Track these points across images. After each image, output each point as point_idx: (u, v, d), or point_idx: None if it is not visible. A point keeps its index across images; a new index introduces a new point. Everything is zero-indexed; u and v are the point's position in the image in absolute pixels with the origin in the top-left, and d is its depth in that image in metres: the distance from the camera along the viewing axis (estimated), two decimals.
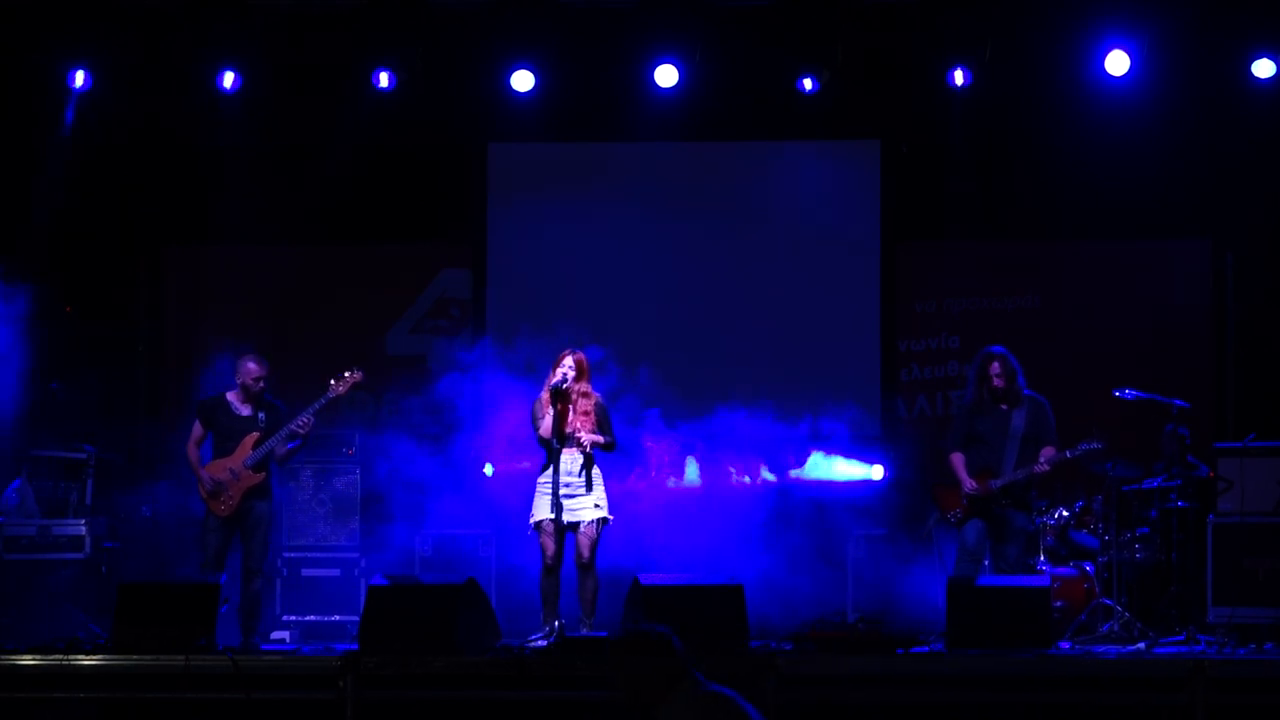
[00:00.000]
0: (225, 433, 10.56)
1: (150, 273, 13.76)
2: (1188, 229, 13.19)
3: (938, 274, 13.52)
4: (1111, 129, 12.51)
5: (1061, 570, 11.11)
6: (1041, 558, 11.17)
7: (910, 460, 12.57)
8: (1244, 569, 10.80)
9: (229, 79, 12.69)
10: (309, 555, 11.98)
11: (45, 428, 11.97)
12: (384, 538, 11.91)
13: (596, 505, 9.99)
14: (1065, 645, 10.15)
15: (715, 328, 13.18)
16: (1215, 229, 13.03)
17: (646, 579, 9.65)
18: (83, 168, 12.87)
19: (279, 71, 12.78)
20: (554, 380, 10.03)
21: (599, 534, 10.01)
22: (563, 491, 9.88)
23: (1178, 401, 10.90)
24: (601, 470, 10.10)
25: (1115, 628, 10.44)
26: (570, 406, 10.03)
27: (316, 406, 10.51)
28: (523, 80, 12.73)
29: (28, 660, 9.31)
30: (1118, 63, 12.29)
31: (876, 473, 12.51)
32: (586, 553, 9.96)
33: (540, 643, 9.64)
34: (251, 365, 10.62)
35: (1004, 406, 10.63)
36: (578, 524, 9.93)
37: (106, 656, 9.35)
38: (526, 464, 10.30)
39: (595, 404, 10.15)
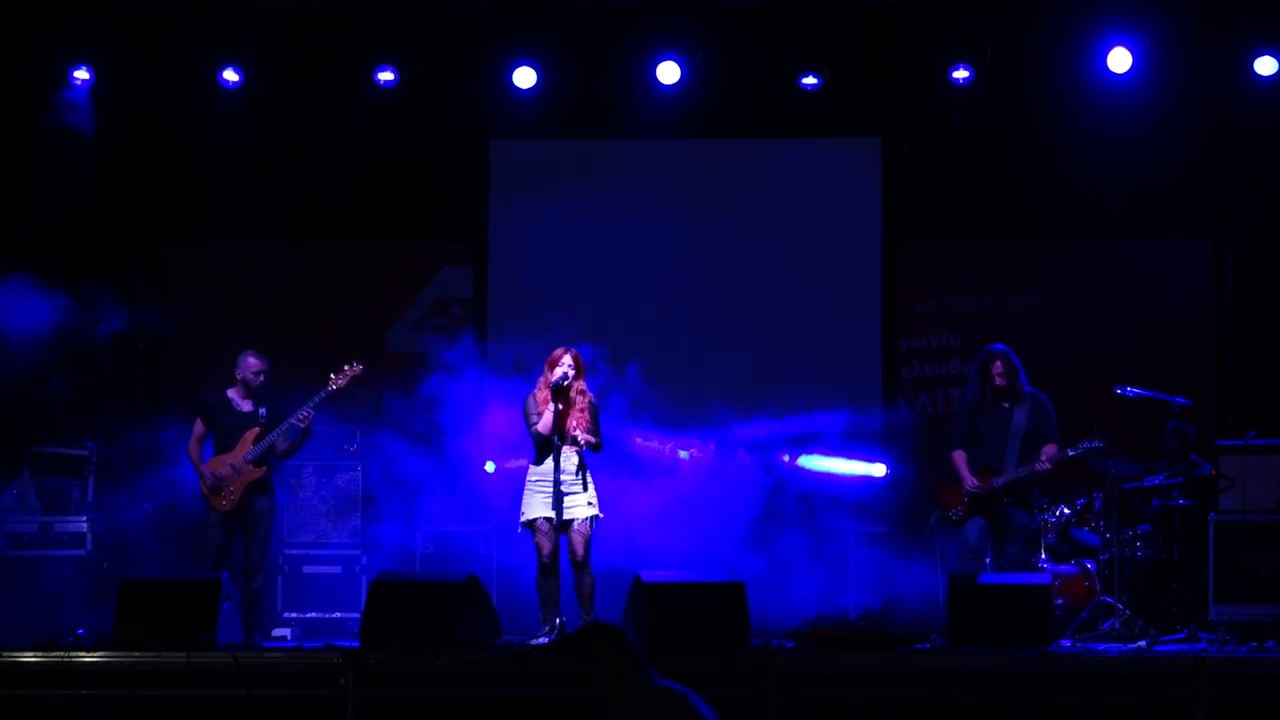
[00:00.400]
0: (226, 429, 10.58)
1: (150, 272, 13.74)
2: (1188, 228, 13.19)
3: (939, 272, 13.52)
4: (1112, 128, 12.51)
5: (1063, 568, 11.12)
6: (1043, 555, 11.17)
7: (912, 458, 12.58)
8: (1245, 567, 10.80)
9: (230, 78, 12.68)
10: (310, 552, 11.98)
11: (46, 425, 11.97)
12: (385, 535, 11.91)
13: (589, 503, 10.00)
14: (1066, 643, 10.15)
15: (716, 325, 13.18)
16: (1216, 228, 13.04)
17: (648, 576, 9.66)
18: (83, 167, 12.86)
19: (280, 70, 12.78)
20: (555, 378, 10.03)
21: (592, 531, 10.01)
22: (560, 489, 9.88)
23: (1180, 399, 10.90)
24: (590, 468, 10.12)
25: (1116, 625, 10.44)
26: (570, 404, 10.04)
27: (316, 400, 10.52)
28: (524, 78, 12.73)
29: (29, 657, 9.31)
30: (1119, 60, 12.29)
31: (878, 470, 12.51)
32: (581, 550, 9.96)
33: (542, 640, 9.63)
34: (252, 360, 10.65)
35: (1005, 404, 10.64)
36: (571, 522, 9.93)
37: (108, 653, 9.34)
38: (527, 461, 10.28)
39: (590, 402, 10.17)
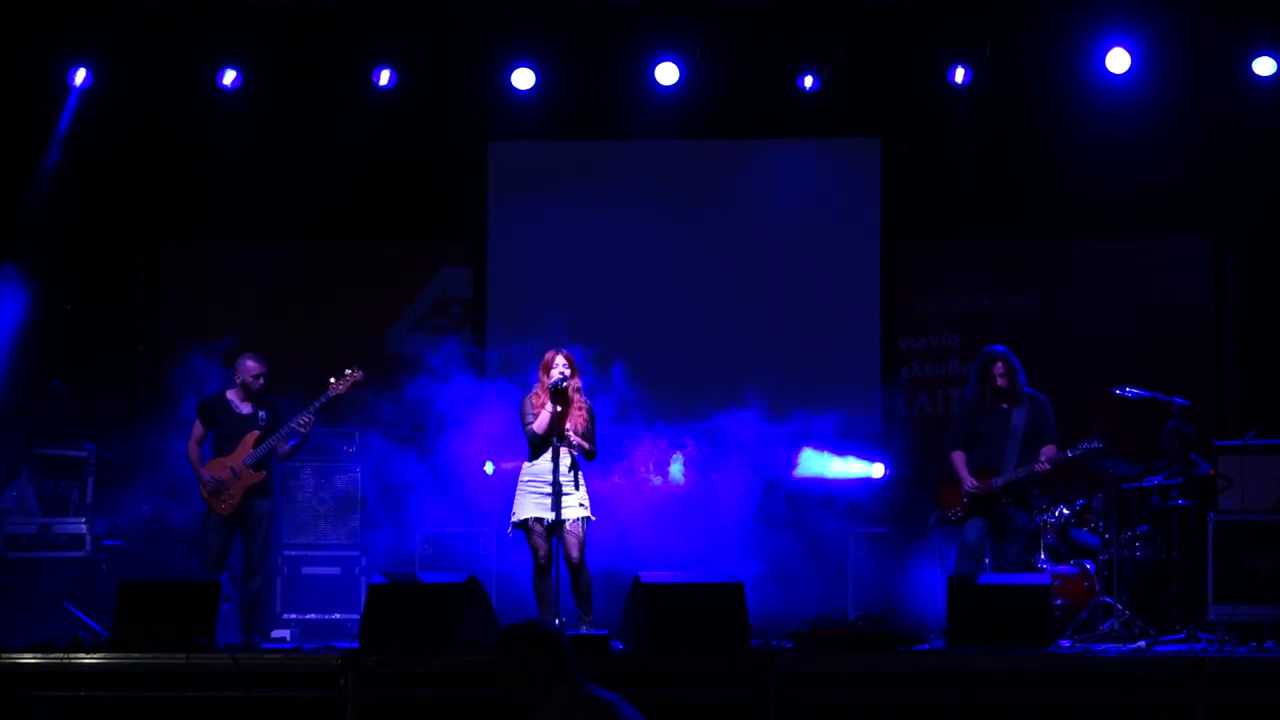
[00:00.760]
0: (226, 432, 10.58)
1: (150, 272, 13.75)
2: (1188, 228, 13.19)
3: (938, 272, 13.52)
4: (1112, 128, 12.50)
5: (1062, 568, 11.12)
6: (1042, 556, 11.17)
7: (911, 458, 12.58)
8: (1245, 567, 10.79)
9: (229, 78, 12.68)
10: (309, 554, 11.98)
11: (46, 426, 11.97)
12: (384, 536, 11.91)
13: (581, 505, 9.99)
14: (1066, 643, 10.16)
15: (716, 325, 13.18)
16: (1215, 228, 13.04)
17: (647, 577, 9.65)
18: (83, 167, 12.86)
19: (279, 70, 12.78)
20: (553, 379, 10.02)
21: (585, 533, 10.00)
22: (561, 489, 9.89)
23: (1179, 399, 10.90)
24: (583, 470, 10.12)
25: (1116, 626, 10.44)
26: (569, 404, 10.04)
27: (317, 405, 10.53)
28: (523, 79, 12.73)
29: (28, 659, 9.31)
30: (1118, 61, 12.28)
31: (877, 471, 12.51)
32: (575, 553, 9.95)
33: None
34: (251, 364, 10.65)
35: (1005, 405, 10.63)
36: (563, 523, 9.92)
37: (107, 655, 9.34)
38: (526, 462, 10.29)
39: (586, 404, 10.18)
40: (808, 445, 12.34)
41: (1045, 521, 11.28)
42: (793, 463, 12.27)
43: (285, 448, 10.56)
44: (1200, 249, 13.23)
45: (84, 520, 11.58)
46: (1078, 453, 10.48)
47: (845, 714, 9.02)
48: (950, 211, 13.30)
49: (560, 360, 10.10)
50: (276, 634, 11.37)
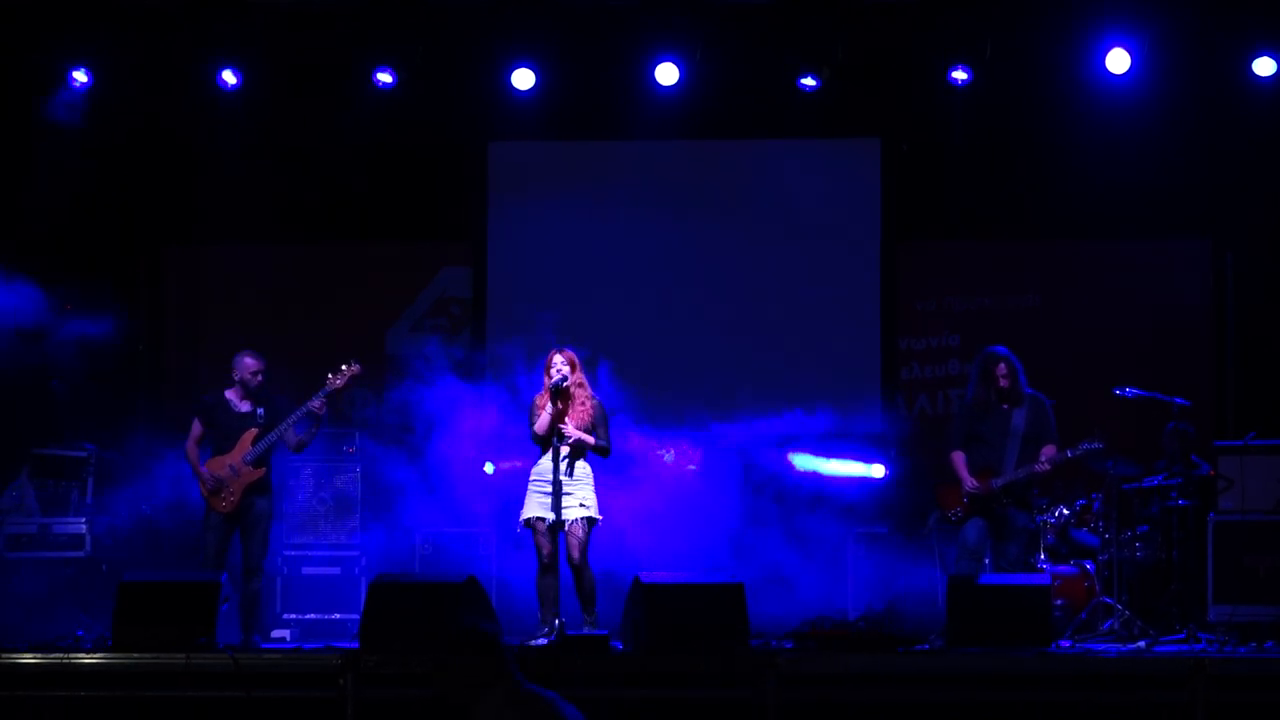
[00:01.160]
0: (225, 430, 10.59)
1: (150, 273, 13.75)
2: (1188, 228, 13.19)
3: (938, 272, 13.52)
4: (1112, 128, 12.50)
5: (1062, 568, 11.12)
6: (1042, 556, 11.17)
7: (911, 459, 12.56)
8: (1244, 567, 10.79)
9: (229, 78, 12.68)
10: (309, 553, 11.98)
11: (45, 426, 11.97)
12: (384, 536, 11.91)
13: (582, 504, 9.96)
14: (1066, 643, 10.16)
15: (716, 325, 13.18)
16: (1215, 228, 13.04)
17: (647, 577, 9.65)
18: (83, 166, 12.85)
19: (279, 70, 12.78)
20: (553, 380, 10.02)
21: (588, 533, 9.99)
22: (562, 489, 9.88)
23: (1179, 400, 10.90)
24: (593, 470, 10.10)
25: (1116, 626, 10.45)
26: (570, 404, 10.03)
27: (316, 399, 10.50)
28: (523, 79, 12.73)
29: (28, 659, 9.31)
30: (1118, 61, 12.28)
31: (877, 471, 12.51)
32: (576, 553, 9.95)
33: (541, 641, 9.63)
34: (249, 360, 10.65)
35: (1005, 406, 10.63)
36: (564, 523, 9.92)
37: (107, 655, 9.35)
38: (527, 462, 10.29)
39: (592, 402, 10.15)
40: (807, 446, 12.34)
41: (1045, 522, 11.28)
42: (793, 463, 12.27)
43: (295, 436, 10.53)
44: (1200, 249, 13.23)
45: (84, 520, 11.58)
46: (1078, 453, 10.47)
47: (845, 714, 9.02)
48: (950, 211, 13.31)
49: (558, 359, 10.10)
50: (276, 634, 11.38)
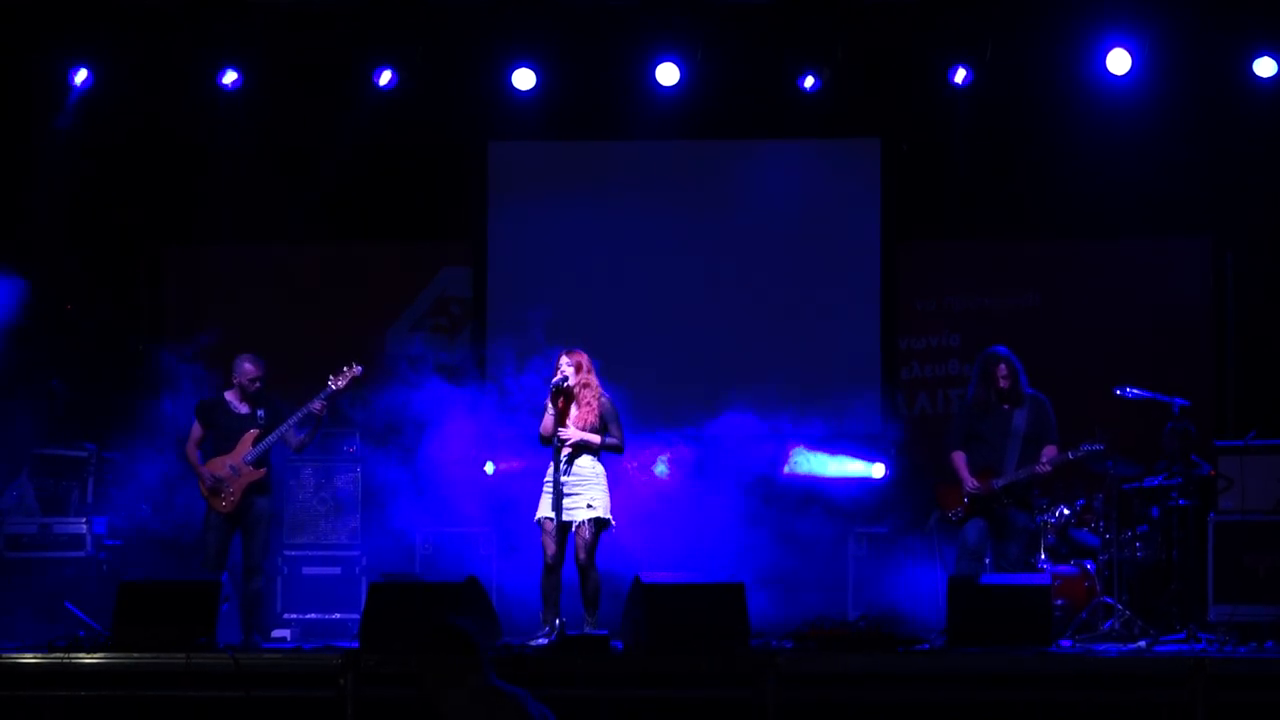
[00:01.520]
0: (224, 432, 10.58)
1: (150, 272, 13.75)
2: (1188, 227, 13.19)
3: (938, 272, 13.52)
4: (1112, 127, 12.50)
5: (1062, 568, 11.12)
6: (1042, 556, 11.17)
7: (911, 458, 12.57)
8: (1245, 567, 10.79)
9: (229, 78, 12.69)
10: (310, 553, 11.98)
11: (46, 426, 11.97)
12: (384, 536, 11.91)
13: (589, 505, 9.94)
14: (1066, 643, 10.15)
15: (715, 325, 13.17)
16: (1215, 227, 13.04)
17: (647, 577, 9.65)
18: (83, 167, 12.86)
19: (279, 70, 12.79)
20: (555, 379, 10.02)
21: (595, 535, 9.96)
22: (562, 489, 9.88)
23: (1179, 400, 10.89)
24: (606, 470, 10.09)
25: (1116, 626, 10.44)
26: (573, 404, 10.02)
27: (317, 401, 10.50)
28: (523, 79, 12.73)
29: (28, 659, 9.31)
30: (1119, 61, 12.28)
31: (877, 471, 12.52)
32: (582, 554, 9.94)
33: (541, 641, 9.63)
34: (247, 366, 10.64)
35: (1006, 406, 10.63)
36: (571, 524, 9.93)
37: (107, 655, 9.34)
38: (527, 462, 10.28)
39: (600, 401, 10.11)
40: (808, 445, 12.34)
41: (1045, 522, 11.28)
42: (793, 463, 12.28)
43: (296, 438, 10.54)
44: (1200, 248, 13.23)
45: (84, 520, 11.58)
46: (1079, 455, 10.48)
47: (845, 714, 9.02)
48: (950, 211, 13.31)
49: (564, 360, 10.09)
50: (276, 634, 11.38)
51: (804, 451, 12.34)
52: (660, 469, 12.02)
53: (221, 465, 10.51)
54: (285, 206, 13.27)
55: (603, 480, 10.04)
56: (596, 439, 10.02)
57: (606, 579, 10.16)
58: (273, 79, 12.81)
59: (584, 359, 10.15)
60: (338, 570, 11.92)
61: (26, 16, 12.27)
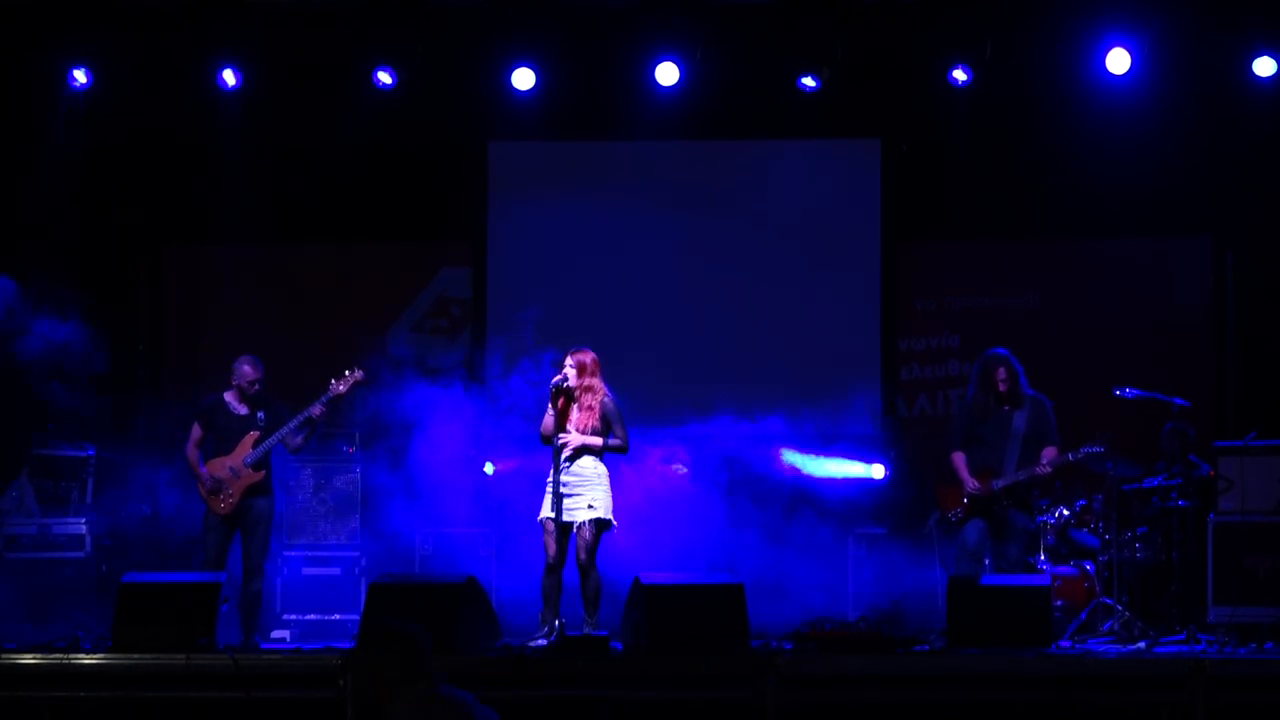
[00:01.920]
0: (224, 433, 10.58)
1: (150, 273, 13.75)
2: (1188, 227, 13.19)
3: (938, 272, 13.52)
4: (1112, 127, 12.50)
5: (1062, 569, 11.12)
6: (1042, 557, 11.17)
7: (911, 459, 12.57)
8: (1244, 568, 10.79)
9: (229, 78, 12.68)
10: (309, 554, 11.97)
11: (46, 426, 11.97)
12: (384, 536, 11.91)
13: (590, 506, 9.93)
14: (1066, 644, 10.15)
15: (716, 326, 13.17)
16: (1215, 227, 13.04)
17: (647, 578, 9.65)
18: (83, 167, 12.86)
19: (279, 70, 12.78)
20: (555, 379, 10.02)
21: (596, 536, 9.96)
22: (562, 490, 9.87)
23: (1179, 400, 10.89)
24: (610, 471, 10.08)
25: (1116, 627, 10.44)
26: (574, 405, 10.02)
27: (318, 405, 10.50)
28: (523, 79, 12.73)
29: (28, 659, 9.31)
30: (1118, 61, 12.28)
31: (877, 471, 12.52)
32: (583, 554, 9.94)
33: (541, 642, 9.63)
34: (246, 368, 10.63)
35: (1006, 407, 10.63)
36: (572, 524, 9.92)
37: (107, 655, 9.35)
38: (526, 463, 10.28)
39: (602, 402, 10.10)
40: (808, 446, 12.34)
41: (1045, 523, 11.27)
42: (793, 463, 12.27)
43: (295, 440, 10.54)
44: (1200, 248, 13.23)
45: (84, 520, 11.58)
46: (1079, 456, 10.48)
47: (845, 715, 9.02)
48: (950, 211, 13.31)
49: (568, 361, 10.08)
50: (276, 634, 11.38)
51: (804, 452, 12.33)
52: (679, 469, 12.04)
53: (221, 466, 10.51)
54: (285, 206, 13.29)
55: (605, 481, 10.03)
56: (598, 441, 10.00)
57: (606, 580, 10.16)
58: (273, 79, 12.80)
59: (588, 359, 10.12)
60: (337, 571, 11.91)
61: (26, 16, 12.26)
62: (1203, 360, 13.07)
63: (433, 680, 5.59)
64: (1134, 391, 10.95)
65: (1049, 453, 10.52)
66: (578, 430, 9.98)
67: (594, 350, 10.22)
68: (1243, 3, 12.28)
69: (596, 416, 10.04)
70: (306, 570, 11.94)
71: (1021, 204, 13.25)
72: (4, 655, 9.31)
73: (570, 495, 9.88)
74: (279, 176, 13.09)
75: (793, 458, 12.29)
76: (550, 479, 9.93)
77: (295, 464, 11.79)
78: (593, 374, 10.10)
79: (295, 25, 12.38)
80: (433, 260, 13.81)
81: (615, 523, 10.04)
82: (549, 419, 9.99)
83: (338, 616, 11.69)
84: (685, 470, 12.01)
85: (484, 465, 12.13)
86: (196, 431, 10.65)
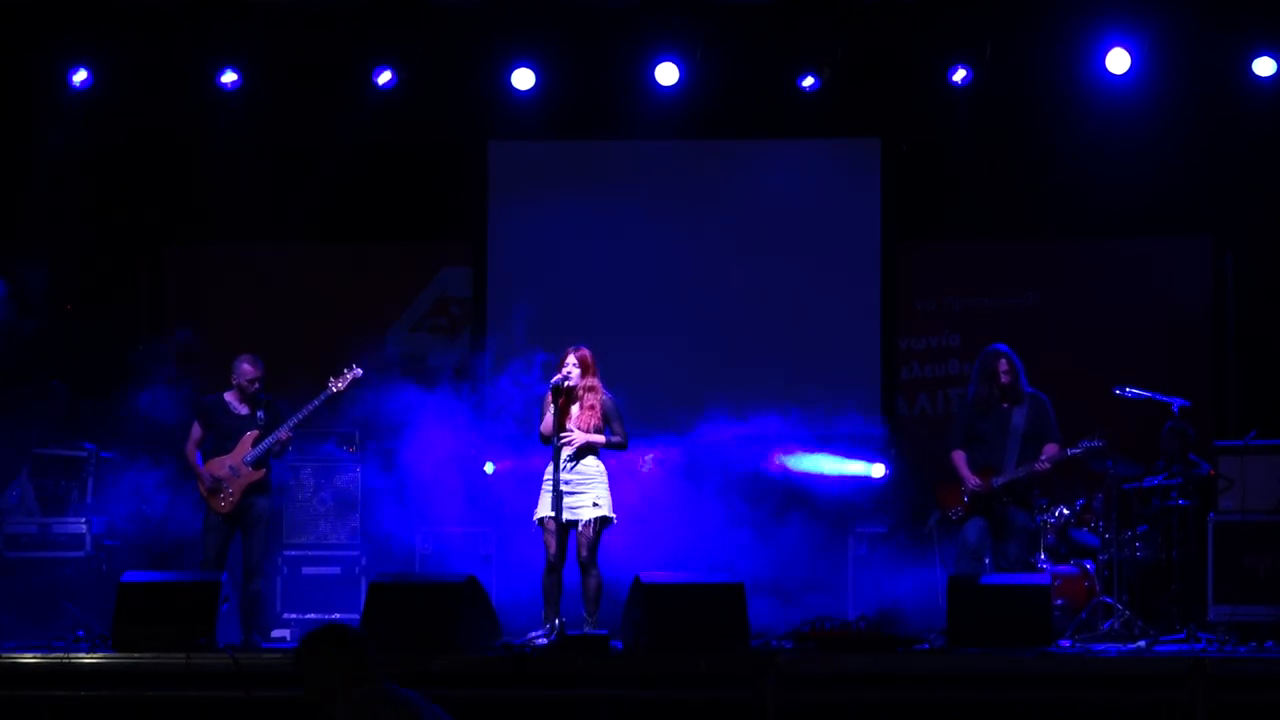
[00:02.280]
0: (224, 432, 10.58)
1: (150, 272, 13.74)
2: (1188, 226, 13.20)
3: (938, 272, 13.52)
4: (1112, 127, 12.50)
5: (1062, 568, 11.12)
6: (1042, 556, 11.17)
7: (911, 458, 12.56)
8: (1244, 567, 10.79)
9: (229, 78, 12.68)
10: (309, 553, 11.97)
11: (46, 426, 11.97)
12: (384, 535, 11.90)
13: (595, 504, 9.94)
14: (1066, 643, 10.15)
15: (715, 326, 13.17)
16: (1215, 226, 13.04)
17: (647, 577, 9.65)
18: (83, 166, 12.86)
19: (279, 70, 12.78)
20: (556, 378, 10.01)
21: (598, 533, 9.96)
22: (563, 489, 9.87)
23: (1179, 400, 10.89)
24: (608, 469, 10.09)
25: (1116, 626, 10.44)
26: (574, 404, 10.01)
27: (316, 403, 10.53)
28: (523, 78, 12.73)
29: (28, 659, 9.31)
30: (1118, 61, 12.28)
31: (877, 471, 12.51)
32: (585, 552, 9.93)
33: (541, 641, 9.63)
34: (246, 367, 10.63)
35: (1005, 405, 10.63)
36: (576, 522, 9.92)
37: (107, 655, 9.35)
38: (527, 462, 10.28)
39: (601, 400, 10.10)
40: (808, 445, 12.34)
41: (1045, 521, 11.27)
42: (793, 463, 12.27)
43: (284, 435, 10.56)
44: (1200, 248, 13.24)
45: (84, 520, 11.57)
46: (1079, 451, 10.48)
47: (845, 714, 9.02)
48: (950, 211, 13.31)
49: (570, 359, 10.06)
50: (276, 634, 11.37)
51: (804, 451, 12.33)
52: (646, 465, 12.03)
53: (221, 465, 10.51)
54: (285, 206, 13.28)
55: (605, 478, 10.04)
56: (601, 439, 10.02)
57: (606, 580, 10.16)
58: (273, 79, 12.81)
59: (588, 356, 10.12)
60: (337, 570, 11.91)
61: (26, 16, 12.26)
62: (1203, 360, 13.07)
63: (377, 679, 5.62)
64: (1134, 391, 10.95)
65: (1049, 449, 10.53)
66: (580, 428, 9.97)
67: (593, 348, 10.22)
68: (1243, 3, 12.28)
69: (598, 415, 10.04)
70: (306, 570, 11.94)
71: (1021, 204, 13.26)
72: (4, 655, 9.31)
73: (573, 494, 9.88)
74: (279, 176, 13.08)
75: (792, 457, 12.28)
76: (549, 478, 9.93)
77: (296, 463, 11.79)
78: (593, 372, 10.11)
79: (295, 25, 12.38)
80: (433, 260, 13.81)
81: (615, 518, 10.04)
82: (549, 418, 9.99)
83: (338, 616, 11.65)
84: (650, 464, 11.98)
85: (484, 465, 12.13)
86: (196, 431, 10.66)
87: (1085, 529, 11.42)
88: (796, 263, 13.26)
